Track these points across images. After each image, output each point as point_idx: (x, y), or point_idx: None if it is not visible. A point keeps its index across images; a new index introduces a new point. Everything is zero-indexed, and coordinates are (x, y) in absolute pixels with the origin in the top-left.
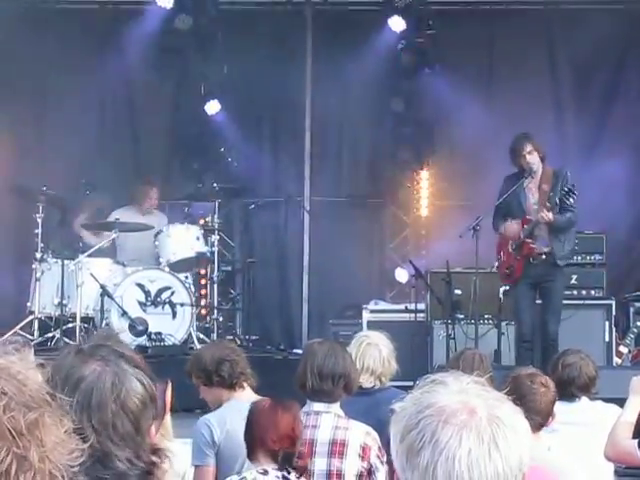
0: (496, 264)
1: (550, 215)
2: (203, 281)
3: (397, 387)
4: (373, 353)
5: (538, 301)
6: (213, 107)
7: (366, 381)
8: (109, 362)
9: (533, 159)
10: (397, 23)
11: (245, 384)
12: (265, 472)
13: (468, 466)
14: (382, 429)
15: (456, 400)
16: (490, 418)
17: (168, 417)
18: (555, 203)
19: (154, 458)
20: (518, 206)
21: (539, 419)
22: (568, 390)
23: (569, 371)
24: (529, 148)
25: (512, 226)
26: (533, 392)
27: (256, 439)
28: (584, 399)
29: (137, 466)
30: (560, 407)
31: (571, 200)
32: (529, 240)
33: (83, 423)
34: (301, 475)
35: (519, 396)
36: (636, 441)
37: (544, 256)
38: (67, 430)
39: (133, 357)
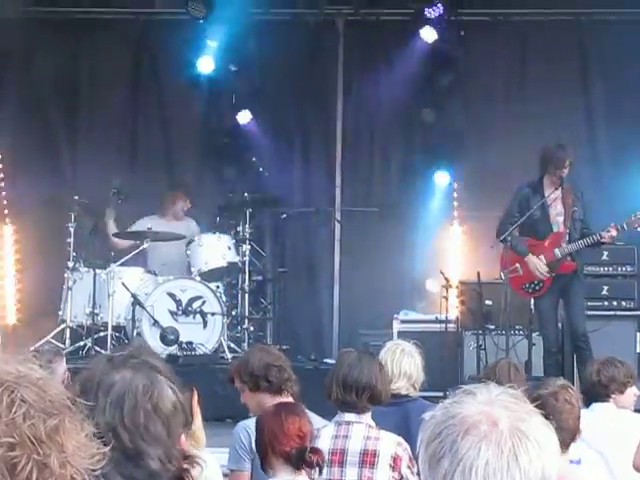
0: (507, 276)
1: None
2: (234, 291)
3: (428, 398)
4: (408, 360)
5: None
6: (244, 117)
7: (403, 388)
8: (140, 370)
9: (567, 172)
10: (428, 34)
11: (290, 391)
12: None
13: (484, 478)
14: (412, 440)
15: (480, 411)
16: (512, 431)
17: (199, 423)
18: (578, 218)
19: (185, 465)
20: (542, 216)
21: (568, 437)
22: (595, 393)
23: (604, 372)
24: (569, 161)
25: (540, 265)
26: (559, 411)
27: (266, 445)
28: (609, 405)
29: (168, 468)
30: (585, 414)
31: (587, 217)
32: (567, 259)
33: (116, 425)
34: (320, 470)
35: (545, 415)
36: None
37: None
38: (88, 434)
39: (164, 370)
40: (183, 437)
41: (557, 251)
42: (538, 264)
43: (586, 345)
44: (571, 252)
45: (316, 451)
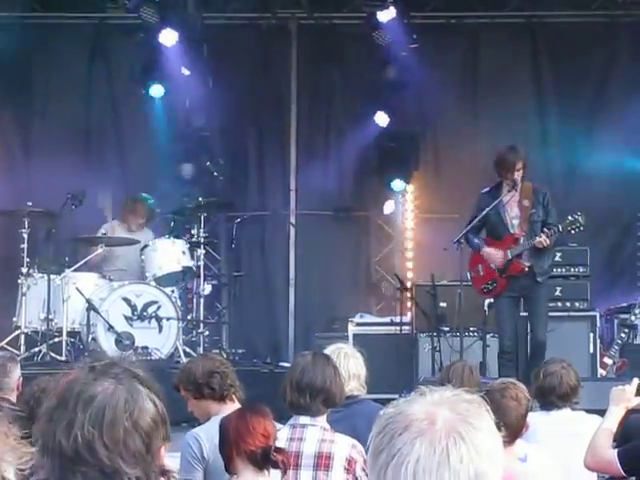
0: (470, 276)
1: (548, 241)
2: (189, 295)
3: (382, 399)
4: (354, 361)
5: (523, 313)
6: (198, 121)
7: (355, 389)
8: (122, 381)
9: (520, 174)
10: (381, 37)
11: (234, 397)
12: None
13: (414, 473)
14: (359, 441)
15: (424, 410)
16: (449, 432)
17: None
18: (537, 220)
19: (162, 479)
20: (498, 219)
21: (510, 433)
22: (549, 399)
23: (550, 380)
24: (521, 164)
25: (494, 254)
26: (503, 406)
27: (232, 446)
28: (566, 409)
29: None
30: (541, 417)
31: (553, 218)
32: (518, 260)
33: (94, 440)
34: (285, 470)
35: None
36: (616, 451)
37: (526, 269)
38: (16, 438)
39: (146, 378)
40: (162, 450)
41: (508, 252)
42: (492, 253)
43: (542, 354)
44: (520, 253)
45: (281, 451)
